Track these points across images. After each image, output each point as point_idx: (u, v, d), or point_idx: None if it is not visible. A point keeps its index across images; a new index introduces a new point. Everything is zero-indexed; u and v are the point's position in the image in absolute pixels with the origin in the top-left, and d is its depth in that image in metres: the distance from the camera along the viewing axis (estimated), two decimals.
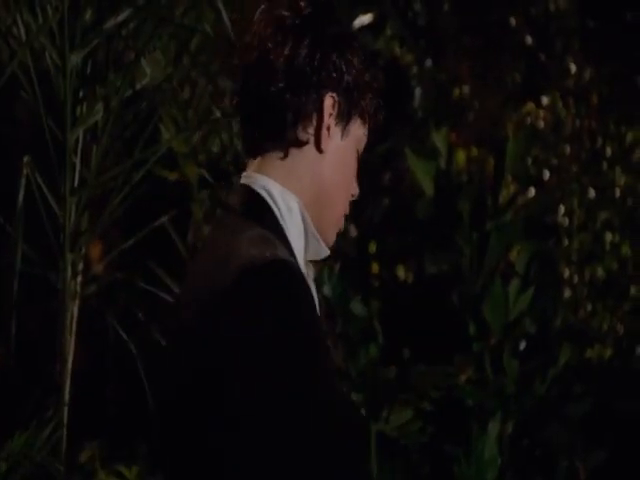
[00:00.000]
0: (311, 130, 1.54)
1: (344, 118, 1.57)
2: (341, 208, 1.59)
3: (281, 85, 1.54)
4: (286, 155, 1.55)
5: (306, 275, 1.52)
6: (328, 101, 1.55)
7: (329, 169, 1.57)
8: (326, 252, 1.59)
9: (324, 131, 1.55)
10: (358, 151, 1.61)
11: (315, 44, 1.54)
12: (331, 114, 1.55)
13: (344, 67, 1.55)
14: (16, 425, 2.45)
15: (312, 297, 1.50)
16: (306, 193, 1.56)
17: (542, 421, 3.57)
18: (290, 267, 1.47)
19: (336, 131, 1.57)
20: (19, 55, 2.41)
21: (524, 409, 3.52)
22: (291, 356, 1.43)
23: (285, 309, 1.45)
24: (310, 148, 1.56)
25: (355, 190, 1.61)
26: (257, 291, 1.45)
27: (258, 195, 1.54)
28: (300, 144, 1.55)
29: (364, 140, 1.61)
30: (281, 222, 1.54)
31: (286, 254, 1.50)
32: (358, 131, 1.59)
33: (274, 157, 1.55)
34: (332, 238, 1.59)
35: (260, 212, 1.54)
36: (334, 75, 1.55)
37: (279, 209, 1.54)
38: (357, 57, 1.57)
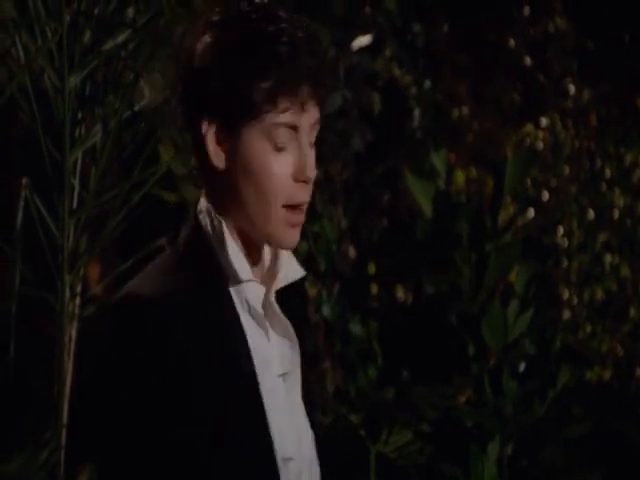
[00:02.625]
0: (203, 153, 1.47)
1: (227, 133, 1.46)
2: (273, 214, 1.46)
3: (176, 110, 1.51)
4: (204, 176, 1.50)
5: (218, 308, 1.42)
6: (204, 127, 1.47)
7: (237, 182, 1.47)
8: (294, 273, 1.50)
9: (211, 153, 1.47)
10: (276, 145, 1.45)
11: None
12: (214, 134, 1.47)
13: (209, 89, 1.44)
14: (13, 447, 2.44)
15: (166, 349, 1.39)
16: (231, 212, 1.48)
17: (541, 442, 3.56)
18: (134, 312, 1.42)
19: (227, 145, 1.47)
20: (18, 76, 2.42)
21: (523, 430, 3.51)
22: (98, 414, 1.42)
23: (105, 360, 1.43)
24: (215, 169, 1.48)
25: (289, 188, 1.46)
26: (102, 334, 1.45)
27: (196, 216, 1.51)
28: (203, 167, 1.49)
29: (275, 126, 1.46)
30: (213, 243, 1.48)
31: (173, 286, 1.43)
32: (255, 131, 1.45)
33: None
34: (289, 240, 1.48)
35: (188, 233, 1.50)
36: (202, 100, 1.46)
37: (209, 229, 1.49)
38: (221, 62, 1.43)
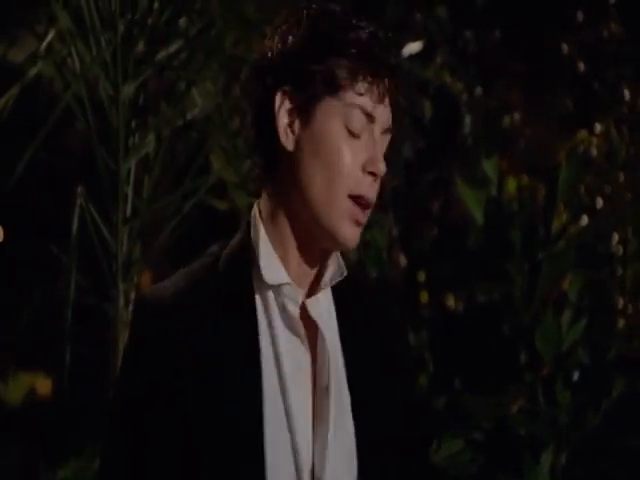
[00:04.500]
0: (271, 132, 1.45)
1: (303, 108, 1.44)
2: (337, 202, 1.44)
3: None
4: (268, 163, 1.48)
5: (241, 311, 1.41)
6: (278, 99, 1.45)
7: (303, 165, 1.44)
8: (337, 275, 1.45)
9: (281, 131, 1.45)
10: (350, 129, 1.43)
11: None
12: (288, 108, 1.44)
13: (283, 54, 1.45)
14: (70, 452, 2.46)
15: (156, 344, 1.41)
16: (292, 204, 1.46)
17: (595, 452, 3.51)
18: (144, 309, 1.44)
19: (299, 123, 1.44)
20: (73, 86, 2.45)
21: (577, 440, 3.47)
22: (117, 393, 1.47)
23: (126, 351, 1.48)
24: (281, 151, 1.45)
25: (357, 178, 1.43)
26: None
27: (248, 222, 1.52)
28: (268, 151, 1.46)
29: (351, 107, 1.44)
30: (254, 246, 1.47)
31: (186, 287, 1.43)
32: (331, 109, 1.43)
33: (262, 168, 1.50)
34: (349, 237, 1.45)
35: (236, 238, 1.51)
36: (283, 70, 1.45)
37: (252, 233, 1.49)
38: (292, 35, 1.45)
